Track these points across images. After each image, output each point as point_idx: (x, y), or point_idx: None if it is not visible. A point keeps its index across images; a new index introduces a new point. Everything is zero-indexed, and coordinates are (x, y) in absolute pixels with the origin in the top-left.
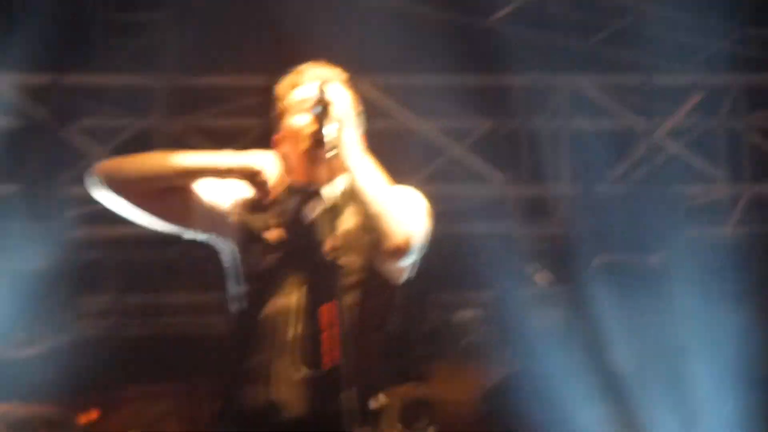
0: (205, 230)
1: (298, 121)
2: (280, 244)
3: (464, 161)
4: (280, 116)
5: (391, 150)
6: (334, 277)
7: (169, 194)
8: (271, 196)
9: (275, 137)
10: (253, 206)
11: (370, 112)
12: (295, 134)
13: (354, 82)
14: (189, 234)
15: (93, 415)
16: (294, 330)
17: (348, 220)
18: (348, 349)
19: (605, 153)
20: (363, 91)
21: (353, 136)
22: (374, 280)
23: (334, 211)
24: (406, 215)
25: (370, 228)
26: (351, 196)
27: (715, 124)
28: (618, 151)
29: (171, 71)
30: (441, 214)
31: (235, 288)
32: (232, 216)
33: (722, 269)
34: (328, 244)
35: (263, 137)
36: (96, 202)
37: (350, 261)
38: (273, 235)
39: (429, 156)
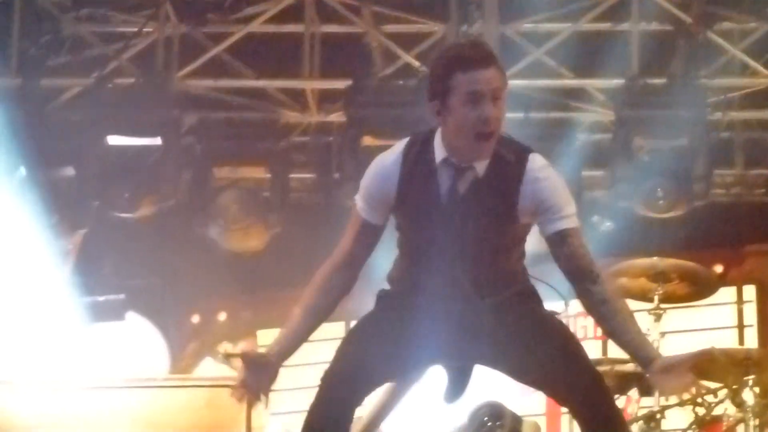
0: None
1: (470, 109)
2: (430, 215)
3: None
4: (445, 92)
5: None
6: (476, 248)
7: None
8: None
9: (436, 108)
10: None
11: None
12: (466, 122)
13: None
14: None
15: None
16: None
17: (493, 197)
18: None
19: None
20: None
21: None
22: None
23: (482, 187)
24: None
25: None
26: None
27: None
28: None
29: None
30: None
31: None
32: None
33: None
34: (474, 220)
35: None
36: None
37: (492, 231)
38: (425, 206)
39: None
